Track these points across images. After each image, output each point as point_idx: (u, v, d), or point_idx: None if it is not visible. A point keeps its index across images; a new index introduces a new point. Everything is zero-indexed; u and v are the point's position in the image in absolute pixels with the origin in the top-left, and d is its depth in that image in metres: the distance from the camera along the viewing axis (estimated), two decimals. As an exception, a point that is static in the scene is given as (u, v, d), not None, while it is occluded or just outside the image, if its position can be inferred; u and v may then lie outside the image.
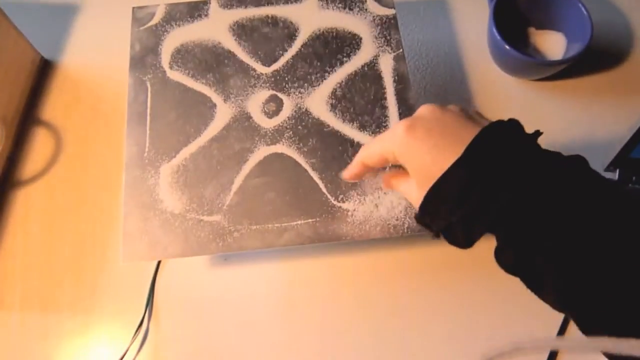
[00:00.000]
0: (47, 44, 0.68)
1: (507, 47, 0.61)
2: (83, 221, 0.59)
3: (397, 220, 0.48)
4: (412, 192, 0.40)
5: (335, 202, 0.49)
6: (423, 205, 0.37)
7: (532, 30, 0.67)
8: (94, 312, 0.56)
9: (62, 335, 0.55)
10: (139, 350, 0.54)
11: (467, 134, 0.35)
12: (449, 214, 0.35)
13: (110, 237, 0.59)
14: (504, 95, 0.66)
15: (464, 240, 0.36)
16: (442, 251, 0.58)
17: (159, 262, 0.57)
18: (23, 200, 0.60)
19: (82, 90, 0.66)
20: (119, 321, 0.55)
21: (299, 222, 0.48)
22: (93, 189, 0.61)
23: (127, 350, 0.53)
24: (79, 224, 0.59)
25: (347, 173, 0.45)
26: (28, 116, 0.64)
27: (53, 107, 0.65)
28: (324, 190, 0.49)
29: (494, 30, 0.62)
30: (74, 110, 0.65)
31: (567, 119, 0.64)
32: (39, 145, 0.63)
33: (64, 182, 0.61)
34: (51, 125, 0.64)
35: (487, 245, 0.57)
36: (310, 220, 0.48)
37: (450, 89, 0.66)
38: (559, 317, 0.55)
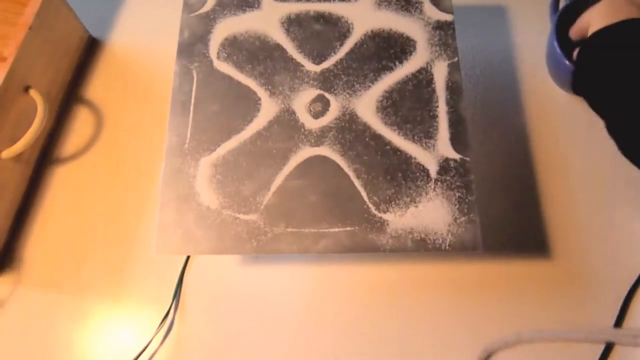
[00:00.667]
0: (95, 22, 0.68)
1: (567, 62, 0.58)
2: (118, 205, 0.59)
3: (437, 236, 0.46)
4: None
5: (375, 212, 0.47)
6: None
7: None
8: (121, 298, 0.55)
9: (87, 317, 0.55)
10: (162, 341, 0.54)
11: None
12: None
13: (143, 225, 0.58)
14: (557, 111, 0.63)
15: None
16: (480, 270, 0.56)
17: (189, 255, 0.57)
18: (60, 178, 0.60)
19: (127, 71, 0.66)
20: (145, 310, 0.55)
21: (338, 229, 0.47)
22: (130, 173, 0.60)
23: (151, 340, 0.53)
24: (113, 207, 0.59)
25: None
26: (72, 94, 0.64)
27: (97, 87, 0.65)
28: (366, 198, 0.48)
29: (555, 44, 0.59)
30: (117, 91, 0.65)
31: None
32: (81, 123, 0.63)
33: (102, 163, 0.61)
34: (94, 104, 0.64)
35: (528, 267, 0.55)
36: (349, 228, 0.47)
37: (501, 100, 0.64)
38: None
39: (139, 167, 0.61)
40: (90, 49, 0.67)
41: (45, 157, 0.61)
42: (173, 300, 0.55)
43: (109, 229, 0.58)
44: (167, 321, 0.54)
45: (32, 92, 0.56)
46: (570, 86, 0.49)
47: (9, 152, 0.53)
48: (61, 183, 0.60)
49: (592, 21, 0.48)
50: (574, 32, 0.53)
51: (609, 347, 0.52)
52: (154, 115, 0.63)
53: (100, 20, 0.69)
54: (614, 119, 0.45)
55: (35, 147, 0.59)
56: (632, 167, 0.59)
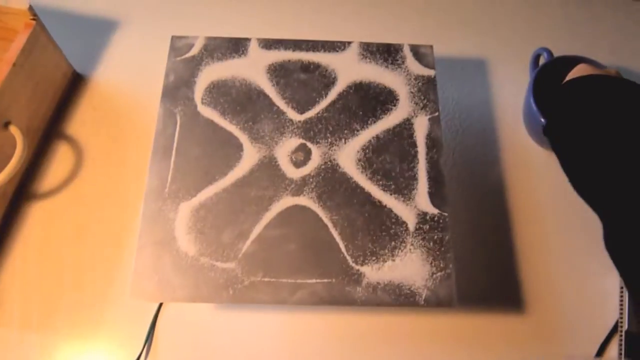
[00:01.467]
0: (81, 58, 0.68)
1: (542, 119, 0.60)
2: (94, 245, 0.58)
3: (413, 290, 0.47)
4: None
5: (353, 264, 0.48)
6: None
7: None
8: (93, 340, 0.54)
9: (58, 358, 0.53)
10: (132, 387, 0.53)
11: None
12: None
13: (118, 267, 0.57)
14: (533, 166, 0.64)
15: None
16: (454, 323, 0.56)
17: (164, 297, 0.56)
18: (36, 215, 0.60)
19: (110, 108, 0.66)
20: (116, 354, 0.54)
21: (315, 280, 0.47)
22: (108, 213, 0.60)
23: (120, 386, 0.52)
24: (89, 247, 0.58)
25: None
26: (52, 128, 0.64)
27: (79, 123, 0.65)
28: (343, 250, 0.48)
29: (532, 101, 0.61)
30: (99, 128, 0.64)
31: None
32: (60, 159, 0.62)
33: (80, 201, 0.60)
34: (74, 140, 0.63)
35: (502, 321, 0.55)
36: (325, 280, 0.47)
37: (479, 152, 0.65)
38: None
39: (117, 206, 0.60)
40: (73, 85, 0.67)
41: (21, 192, 0.60)
42: (145, 344, 0.54)
43: (84, 270, 0.57)
44: (138, 366, 0.53)
45: (12, 128, 0.55)
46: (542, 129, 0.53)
47: (-15, 189, 0.52)
48: (37, 220, 0.59)
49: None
50: None
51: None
52: (135, 154, 0.63)
53: (85, 55, 0.69)
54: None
55: (12, 181, 0.59)
56: None
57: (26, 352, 0.54)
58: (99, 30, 0.71)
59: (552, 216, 0.61)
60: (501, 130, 0.66)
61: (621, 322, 0.55)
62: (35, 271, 0.57)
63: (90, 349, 0.54)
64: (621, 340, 0.55)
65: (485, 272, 0.58)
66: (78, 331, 0.55)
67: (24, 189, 0.61)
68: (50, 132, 0.64)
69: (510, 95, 0.68)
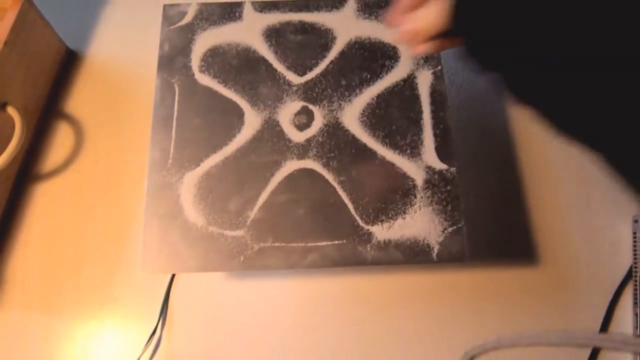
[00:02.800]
0: (73, 35, 0.67)
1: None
2: (101, 222, 0.58)
3: (424, 247, 0.46)
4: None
5: (363, 225, 0.47)
6: None
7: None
8: (107, 317, 0.54)
9: (73, 338, 0.54)
10: (150, 359, 0.53)
11: None
12: None
13: (128, 241, 0.57)
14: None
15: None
16: (467, 278, 0.56)
17: (175, 270, 0.56)
18: (41, 195, 0.59)
19: (107, 84, 0.65)
20: (132, 328, 0.54)
21: (325, 242, 0.47)
22: (114, 188, 0.59)
23: (139, 358, 0.52)
24: (97, 224, 0.58)
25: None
26: (50, 108, 0.63)
27: (77, 100, 0.64)
28: (352, 211, 0.48)
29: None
30: (98, 104, 0.64)
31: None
32: (61, 138, 0.62)
33: (84, 179, 0.60)
34: (73, 118, 0.63)
35: (515, 274, 0.55)
36: (336, 242, 0.47)
37: (484, 106, 0.64)
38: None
39: (122, 181, 0.60)
40: (68, 62, 0.65)
41: (24, 174, 0.60)
42: (160, 317, 0.54)
43: (93, 247, 0.57)
44: (155, 339, 0.54)
45: (9, 109, 0.54)
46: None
47: (-13, 171, 0.52)
48: (42, 200, 0.59)
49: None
50: None
51: (595, 352, 0.52)
52: (137, 129, 0.62)
53: (78, 33, 0.67)
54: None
55: (14, 163, 0.58)
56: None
57: (41, 335, 0.54)
58: (90, 5, 0.69)
59: (562, 166, 0.61)
60: (506, 82, 0.65)
61: (635, 268, 0.55)
62: (43, 252, 0.57)
63: (106, 325, 0.54)
64: (636, 285, 0.55)
65: (496, 226, 0.58)
66: (92, 309, 0.55)
67: (26, 171, 0.60)
68: (48, 111, 0.63)
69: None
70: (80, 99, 0.64)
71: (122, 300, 0.55)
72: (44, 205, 0.59)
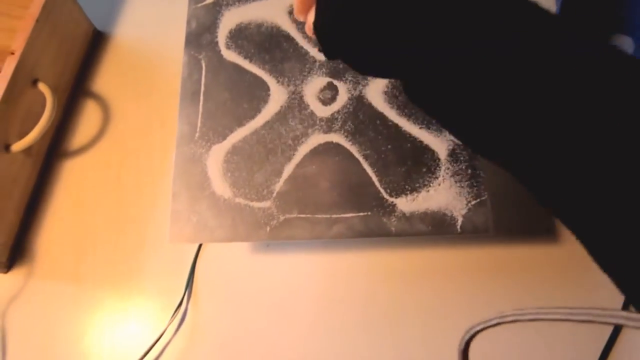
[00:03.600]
0: (100, 16, 0.68)
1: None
2: (128, 196, 0.59)
3: (449, 219, 0.47)
4: None
5: (387, 197, 0.48)
6: None
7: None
8: (133, 289, 0.56)
9: (100, 309, 0.55)
10: (176, 331, 0.54)
11: None
12: None
13: (153, 216, 0.58)
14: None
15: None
16: (488, 253, 0.56)
17: (200, 244, 0.57)
18: (70, 171, 0.61)
19: (133, 64, 0.66)
20: (158, 300, 0.55)
21: (350, 214, 0.47)
22: (139, 165, 0.60)
23: (164, 331, 0.53)
24: (123, 199, 0.59)
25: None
26: (78, 87, 0.64)
27: (104, 80, 0.65)
28: (377, 183, 0.48)
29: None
30: (124, 83, 0.65)
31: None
32: (88, 116, 0.63)
33: (111, 155, 0.61)
34: (101, 97, 0.64)
35: (535, 250, 0.55)
36: (361, 213, 0.47)
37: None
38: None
39: (148, 158, 0.61)
40: (96, 43, 0.67)
41: (53, 151, 0.61)
42: (186, 289, 0.55)
43: (120, 220, 0.58)
44: (180, 311, 0.54)
45: (41, 85, 0.56)
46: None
47: (19, 145, 0.53)
48: (71, 176, 0.60)
49: None
50: None
51: (617, 330, 0.52)
52: (162, 107, 0.63)
53: (105, 13, 0.69)
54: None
55: (43, 140, 0.59)
56: None
57: (69, 305, 0.55)
58: (116, -13, 0.71)
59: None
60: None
61: (659, 246, 0.55)
62: (73, 226, 0.58)
63: (132, 297, 0.55)
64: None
65: (517, 201, 0.58)
66: (119, 281, 0.56)
67: (55, 147, 0.61)
68: (76, 90, 0.64)
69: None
70: (107, 78, 0.65)
71: (149, 273, 0.56)
72: (73, 180, 0.60)
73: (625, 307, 0.54)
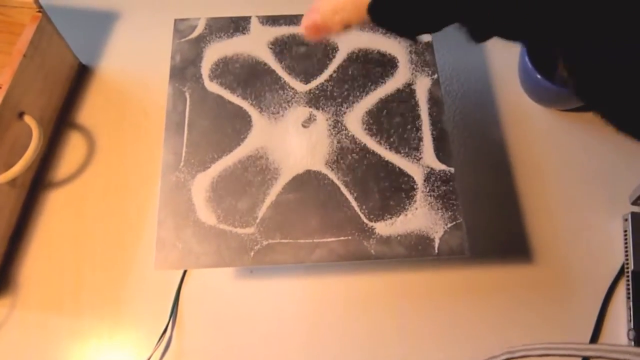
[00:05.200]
0: (85, 50, 0.70)
1: (538, 76, 0.62)
2: (112, 226, 0.60)
3: (426, 242, 0.49)
4: None
5: (367, 221, 0.50)
6: None
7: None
8: (118, 317, 0.56)
9: (86, 338, 0.55)
10: (161, 358, 0.55)
11: None
12: None
13: (137, 244, 0.59)
14: (531, 123, 0.66)
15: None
16: (465, 275, 0.58)
17: (185, 271, 0.58)
18: (54, 202, 0.61)
19: (117, 96, 0.68)
20: (143, 327, 0.56)
21: (331, 239, 0.49)
22: (124, 195, 0.62)
23: (150, 357, 0.54)
24: (108, 228, 0.60)
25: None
26: (63, 119, 0.66)
27: (88, 112, 0.67)
28: (357, 209, 0.50)
29: (526, 58, 0.63)
30: (108, 115, 0.66)
31: (594, 151, 0.65)
32: (73, 148, 0.64)
33: (96, 186, 0.62)
34: (85, 129, 0.65)
35: (511, 272, 0.57)
36: (342, 238, 0.49)
37: (479, 113, 0.67)
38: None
39: (132, 187, 0.62)
40: (80, 76, 0.68)
41: (38, 181, 0.62)
42: (170, 316, 0.56)
43: (105, 249, 0.59)
44: (165, 337, 0.55)
45: (27, 118, 0.57)
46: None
47: (5, 177, 0.54)
48: (55, 206, 0.61)
49: None
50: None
51: None
52: (146, 137, 0.65)
53: (90, 47, 0.71)
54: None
55: (28, 171, 0.60)
56: (604, 172, 0.63)
57: (54, 335, 0.55)
58: (100, 22, 0.73)
59: (553, 168, 0.63)
60: (498, 90, 0.68)
61: (627, 264, 0.57)
62: (57, 256, 0.59)
63: (118, 325, 0.56)
64: (628, 281, 0.57)
65: (492, 226, 0.60)
66: (104, 310, 0.56)
67: (40, 178, 0.62)
68: (61, 122, 0.65)
69: (506, 56, 0.70)
70: (92, 110, 0.67)
71: (134, 300, 0.57)
72: (57, 211, 0.61)
73: (598, 324, 0.56)
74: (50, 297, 0.57)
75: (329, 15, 0.36)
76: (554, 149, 0.65)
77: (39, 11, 0.58)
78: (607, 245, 0.60)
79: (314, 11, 0.37)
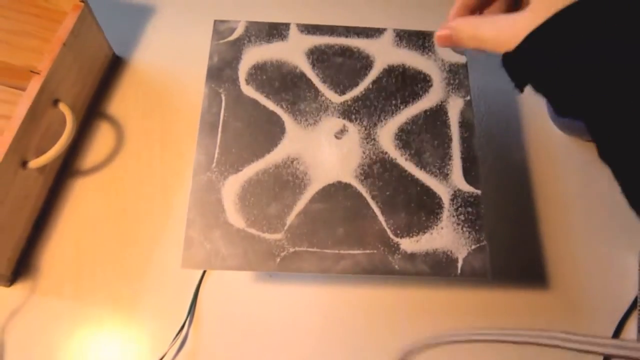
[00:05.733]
0: (120, 41, 0.70)
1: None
2: (136, 219, 0.61)
3: (449, 261, 0.49)
4: (509, 25, 0.33)
5: (393, 237, 0.50)
6: (543, 31, 0.30)
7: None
8: (136, 310, 0.57)
9: (101, 328, 0.56)
10: (176, 354, 0.55)
11: None
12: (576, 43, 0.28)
13: (159, 239, 0.60)
14: (556, 151, 0.67)
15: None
16: (483, 296, 0.59)
17: (204, 270, 0.58)
18: (80, 190, 0.62)
19: (148, 90, 0.68)
20: (160, 323, 0.56)
21: (357, 251, 0.50)
22: (150, 188, 0.62)
23: (165, 353, 0.54)
24: (131, 220, 0.61)
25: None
26: (94, 108, 0.66)
27: (119, 103, 0.67)
28: (383, 223, 0.51)
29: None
30: (138, 108, 0.67)
31: (616, 184, 0.65)
32: (102, 138, 0.65)
33: (122, 177, 0.63)
34: (115, 120, 0.66)
35: (527, 296, 0.58)
36: (367, 251, 0.50)
37: (504, 138, 0.68)
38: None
39: (158, 183, 0.62)
40: (113, 67, 0.69)
41: (65, 169, 0.63)
42: (188, 314, 0.56)
43: (126, 242, 0.60)
44: (182, 335, 0.56)
45: (61, 106, 0.57)
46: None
47: (37, 162, 0.55)
48: (80, 195, 0.62)
49: (517, 23, 0.32)
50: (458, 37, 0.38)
51: None
52: (175, 134, 0.65)
53: (124, 39, 0.71)
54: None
55: (57, 157, 0.61)
56: (625, 205, 0.63)
57: (71, 323, 0.56)
58: (138, 14, 0.73)
59: (575, 197, 0.64)
60: (525, 115, 0.69)
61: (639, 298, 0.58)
62: (79, 245, 0.59)
63: (135, 318, 0.56)
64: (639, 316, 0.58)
65: (510, 249, 0.61)
66: (122, 302, 0.57)
67: (68, 165, 0.63)
68: (92, 111, 0.66)
69: (534, 84, 0.71)
70: (122, 102, 0.67)
71: (152, 295, 0.57)
72: (82, 199, 0.61)
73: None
74: (69, 285, 0.57)
75: (466, 40, 0.38)
76: (577, 178, 0.66)
77: (82, 1, 0.59)
78: (622, 278, 0.60)
79: (452, 28, 0.38)
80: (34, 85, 0.54)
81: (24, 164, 0.54)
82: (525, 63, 0.33)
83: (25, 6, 0.62)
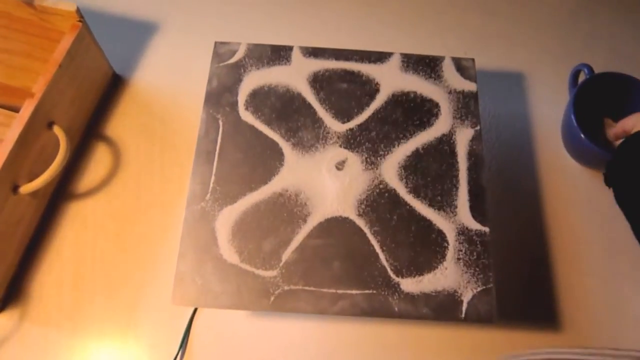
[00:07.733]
0: (120, 59, 0.69)
1: (582, 136, 0.59)
2: (130, 245, 0.59)
3: (452, 304, 0.47)
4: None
5: (393, 276, 0.48)
6: None
7: (608, 121, 0.65)
8: (128, 343, 0.55)
9: (91, 357, 0.54)
10: (166, 390, 0.53)
11: None
12: None
13: (154, 269, 0.58)
14: (569, 181, 0.64)
15: None
16: (489, 336, 0.56)
17: (199, 302, 0.56)
18: (74, 215, 0.60)
19: (148, 110, 0.66)
20: (151, 356, 0.54)
21: (355, 291, 0.47)
22: (145, 214, 0.60)
23: (155, 389, 0.52)
24: (125, 247, 0.59)
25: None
26: (92, 129, 0.65)
27: (117, 123, 0.65)
28: (384, 262, 0.48)
29: (572, 117, 0.60)
30: (137, 129, 0.65)
31: (634, 218, 0.62)
32: (98, 160, 0.63)
33: (117, 202, 0.61)
34: (112, 141, 0.64)
35: (537, 337, 0.55)
36: (366, 291, 0.47)
37: (515, 169, 0.65)
38: None
39: (153, 209, 0.61)
40: (113, 86, 0.67)
41: (59, 192, 0.61)
42: (180, 348, 0.54)
43: (119, 270, 0.58)
44: (173, 369, 0.54)
45: (56, 129, 0.56)
46: (603, 176, 0.53)
47: (28, 188, 0.53)
48: (74, 219, 0.60)
49: (638, 124, 0.53)
50: (615, 132, 0.57)
51: None
52: (172, 157, 0.63)
53: (125, 58, 0.69)
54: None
55: (52, 181, 0.59)
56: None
57: (60, 353, 0.54)
58: (138, 32, 0.72)
59: (588, 232, 0.61)
60: (538, 145, 0.66)
61: (658, 344, 0.55)
62: (70, 272, 0.57)
63: (125, 351, 0.54)
64: (658, 361, 0.54)
65: (521, 288, 0.58)
66: (113, 333, 0.55)
67: (62, 189, 0.61)
68: (89, 132, 0.64)
69: (548, 111, 0.68)
70: (122, 123, 0.65)
71: (144, 326, 0.55)
72: (76, 224, 0.60)
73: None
74: (60, 313, 0.56)
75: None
76: (592, 212, 0.62)
77: (80, 21, 0.57)
78: (636, 321, 0.57)
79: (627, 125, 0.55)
80: (28, 108, 0.53)
81: (15, 188, 0.53)
82: None
83: (24, 26, 0.61)
